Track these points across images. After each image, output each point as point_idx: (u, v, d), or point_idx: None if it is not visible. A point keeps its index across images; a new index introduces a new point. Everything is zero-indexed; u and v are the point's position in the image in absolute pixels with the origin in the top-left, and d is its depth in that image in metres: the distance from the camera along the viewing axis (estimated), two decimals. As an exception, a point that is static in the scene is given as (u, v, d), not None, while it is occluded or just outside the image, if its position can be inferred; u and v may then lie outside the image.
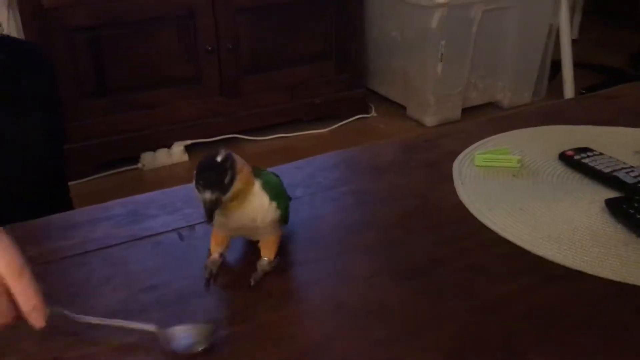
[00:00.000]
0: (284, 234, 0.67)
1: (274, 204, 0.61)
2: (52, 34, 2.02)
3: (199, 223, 0.72)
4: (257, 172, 0.61)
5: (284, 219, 0.65)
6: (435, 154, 0.89)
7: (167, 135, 2.30)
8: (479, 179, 0.80)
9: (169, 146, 2.30)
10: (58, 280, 0.64)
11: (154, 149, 2.28)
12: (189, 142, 2.32)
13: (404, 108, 2.67)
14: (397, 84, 2.68)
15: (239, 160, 0.57)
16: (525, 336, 0.55)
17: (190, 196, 0.79)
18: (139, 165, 2.27)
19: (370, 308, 0.58)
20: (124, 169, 2.24)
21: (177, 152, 2.31)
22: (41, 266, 0.65)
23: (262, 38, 2.37)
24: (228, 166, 0.55)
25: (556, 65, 2.73)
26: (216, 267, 0.64)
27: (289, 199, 0.69)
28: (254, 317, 0.58)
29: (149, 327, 0.54)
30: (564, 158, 0.83)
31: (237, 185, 0.56)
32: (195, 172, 0.55)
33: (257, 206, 0.60)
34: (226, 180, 0.55)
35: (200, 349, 0.53)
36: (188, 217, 0.74)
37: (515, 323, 0.56)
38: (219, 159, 0.56)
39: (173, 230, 0.71)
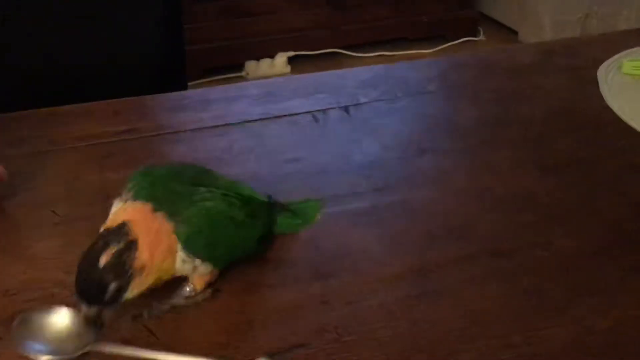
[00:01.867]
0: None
1: (205, 265, 0.44)
2: None
3: (331, 108, 0.72)
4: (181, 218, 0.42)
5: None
6: (576, 59, 0.83)
7: (271, 44, 2.30)
8: (628, 86, 0.75)
9: (272, 56, 2.31)
10: (201, 147, 0.66)
11: (257, 58, 2.30)
12: (292, 53, 2.31)
13: (515, 33, 2.54)
14: (510, 7, 2.54)
15: (145, 237, 0.40)
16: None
17: (321, 83, 0.79)
18: (243, 73, 2.29)
19: (515, 195, 0.57)
20: (228, 75, 2.27)
21: (279, 63, 2.31)
22: (184, 133, 0.67)
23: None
24: (116, 271, 0.39)
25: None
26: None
27: (268, 203, 0.50)
28: (396, 191, 0.58)
29: None
30: None
31: (135, 289, 0.40)
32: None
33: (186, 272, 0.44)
34: (108, 293, 0.39)
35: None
36: (321, 101, 0.74)
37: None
38: (102, 260, 0.38)
39: (308, 112, 0.72)
